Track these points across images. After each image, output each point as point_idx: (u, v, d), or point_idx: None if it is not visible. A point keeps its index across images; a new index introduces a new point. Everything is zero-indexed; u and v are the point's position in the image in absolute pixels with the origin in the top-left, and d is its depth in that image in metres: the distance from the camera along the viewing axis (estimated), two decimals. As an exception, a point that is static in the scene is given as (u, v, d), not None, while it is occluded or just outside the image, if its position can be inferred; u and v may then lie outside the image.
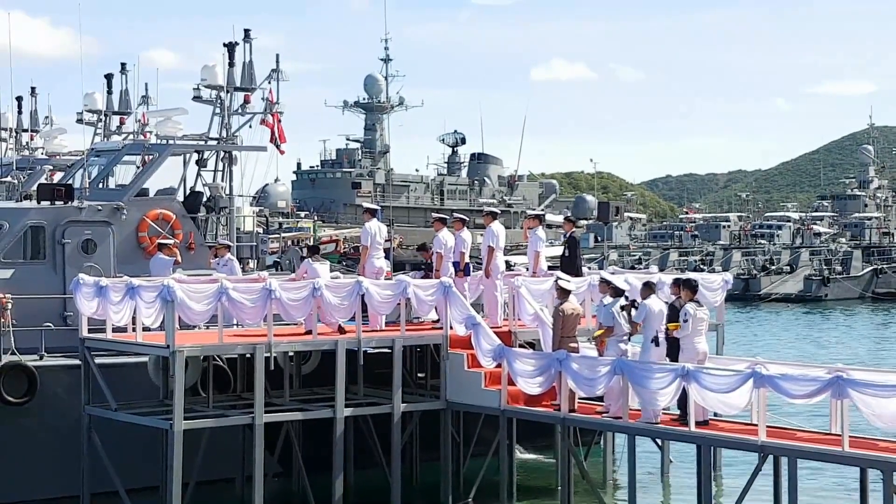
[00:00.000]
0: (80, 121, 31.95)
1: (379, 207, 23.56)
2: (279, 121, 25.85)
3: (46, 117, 35.22)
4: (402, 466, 20.84)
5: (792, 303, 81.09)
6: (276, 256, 34.31)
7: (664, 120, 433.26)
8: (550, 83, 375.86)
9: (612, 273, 22.40)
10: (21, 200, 24.68)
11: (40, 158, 30.50)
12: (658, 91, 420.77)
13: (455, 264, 22.14)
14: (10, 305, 21.04)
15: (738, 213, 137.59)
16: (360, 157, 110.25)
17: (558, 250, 27.44)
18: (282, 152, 25.91)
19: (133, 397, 20.46)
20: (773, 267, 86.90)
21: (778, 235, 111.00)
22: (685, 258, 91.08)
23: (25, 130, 34.33)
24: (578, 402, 19.57)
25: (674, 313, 18.36)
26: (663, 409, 18.37)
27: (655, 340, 18.40)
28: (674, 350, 18.31)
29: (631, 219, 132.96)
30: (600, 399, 19.57)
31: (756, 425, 17.22)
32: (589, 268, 27.70)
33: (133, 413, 19.80)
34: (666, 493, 22.92)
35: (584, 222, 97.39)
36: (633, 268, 60.32)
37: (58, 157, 30.45)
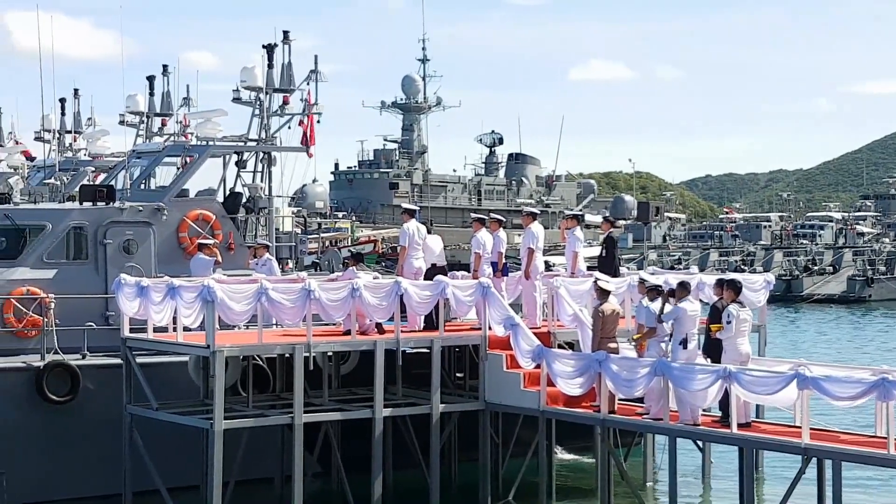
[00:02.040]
0: (122, 122, 32.18)
1: (417, 208, 23.52)
2: (314, 122, 25.88)
3: (89, 119, 35.45)
4: (440, 467, 20.83)
5: (835, 304, 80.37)
6: (314, 257, 34.38)
7: (704, 119, 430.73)
8: (589, 83, 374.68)
9: (652, 273, 22.28)
10: (64, 201, 24.93)
11: (83, 160, 30.74)
12: (698, 90, 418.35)
13: (493, 265, 22.11)
14: (52, 305, 21.26)
15: (780, 213, 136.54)
16: (397, 158, 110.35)
17: (596, 251, 27.34)
18: (310, 155, 25.96)
19: (174, 397, 20.59)
20: (816, 267, 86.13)
21: (820, 235, 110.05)
22: (725, 258, 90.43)
23: (69, 132, 34.59)
24: (618, 403, 19.47)
25: (716, 314, 18.22)
26: (703, 411, 18.25)
27: (684, 343, 18.27)
28: (716, 351, 18.17)
29: (670, 219, 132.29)
30: (640, 400, 19.47)
31: (799, 427, 17.05)
32: (628, 268, 27.58)
33: (174, 412, 19.91)
34: (707, 496, 22.78)
35: (622, 222, 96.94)
36: (672, 268, 59.97)
37: (101, 158, 30.68)
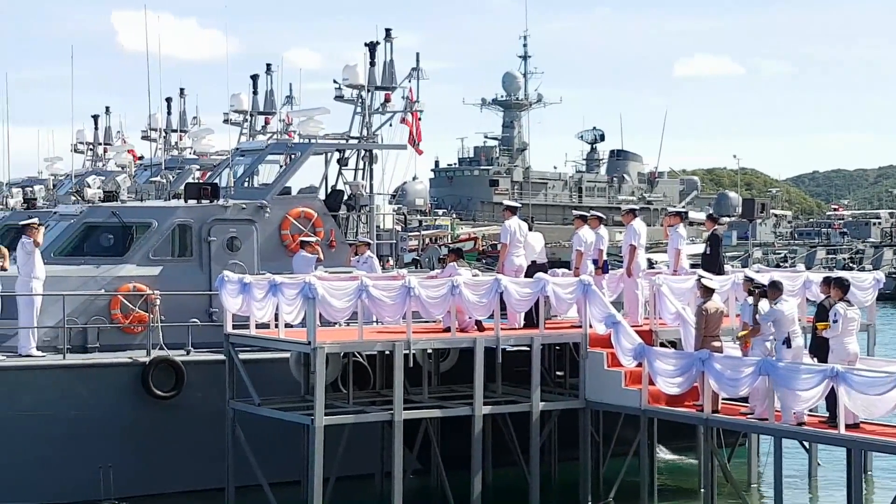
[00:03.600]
0: (226, 121, 32.67)
1: (519, 205, 23.42)
2: (418, 119, 25.99)
3: (194, 118, 36.03)
4: (540, 465, 20.70)
5: (947, 303, 78.06)
6: (414, 254, 34.52)
7: (811, 114, 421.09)
8: (693, 78, 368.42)
9: (758, 271, 21.90)
10: (170, 199, 25.35)
11: (188, 158, 31.22)
12: (805, 85, 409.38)
13: (594, 262, 21.93)
14: (158, 302, 21.62)
15: (890, 210, 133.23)
16: (497, 155, 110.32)
17: (699, 248, 26.95)
18: (419, 152, 26.04)
19: (275, 392, 20.79)
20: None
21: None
22: (833, 256, 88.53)
23: (174, 131, 35.20)
24: (722, 403, 19.15)
25: (823, 313, 17.83)
26: (810, 412, 17.86)
27: (787, 342, 17.91)
28: (823, 350, 17.78)
29: (776, 216, 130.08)
30: (744, 399, 19.13)
31: (910, 429, 16.58)
32: (732, 266, 27.16)
33: (275, 408, 20.09)
34: (813, 498, 22.32)
35: (726, 220, 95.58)
36: (778, 266, 58.89)
37: (205, 156, 31.14)
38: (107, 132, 39.22)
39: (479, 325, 20.64)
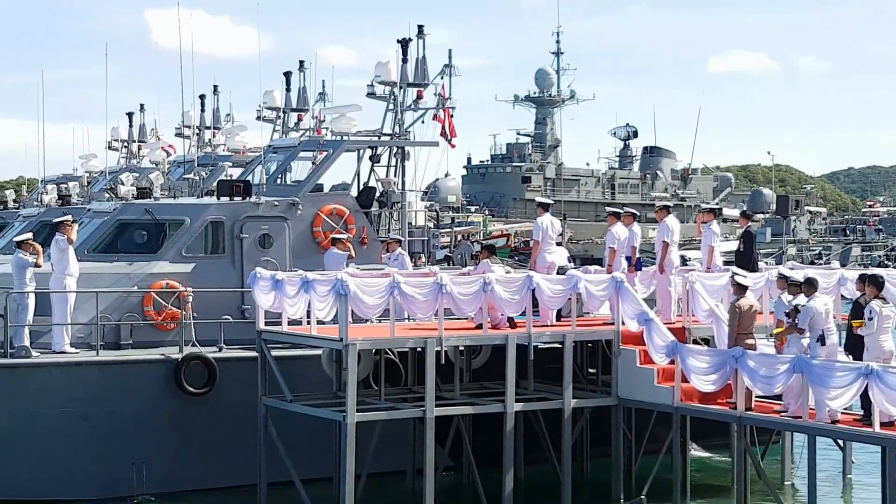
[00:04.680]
0: (259, 118, 32.78)
1: (552, 202, 23.35)
2: (450, 116, 26.00)
3: (227, 115, 36.20)
4: (572, 463, 20.66)
5: (985, 300, 77.14)
6: (446, 251, 34.48)
7: (847, 110, 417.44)
8: (728, 75, 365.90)
9: (791, 268, 21.76)
10: (202, 196, 25.43)
11: (222, 155, 31.34)
12: (840, 81, 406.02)
13: (627, 259, 21.85)
14: (191, 298, 21.71)
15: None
16: (530, 152, 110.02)
17: (732, 245, 26.80)
18: (452, 146, 26.09)
19: (307, 389, 20.82)
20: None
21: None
22: (868, 253, 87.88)
23: (208, 128, 35.35)
24: (755, 400, 19.03)
25: (858, 310, 17.70)
26: (844, 410, 17.71)
27: (821, 339, 17.78)
28: (858, 348, 17.65)
29: (810, 213, 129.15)
30: (778, 397, 19.00)
31: (946, 428, 16.40)
32: (766, 263, 26.99)
33: (307, 405, 20.13)
34: (847, 496, 22.15)
35: (760, 216, 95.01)
36: (812, 263, 58.54)
37: (239, 153, 31.25)
38: (141, 129, 39.49)
39: (512, 322, 20.61)
